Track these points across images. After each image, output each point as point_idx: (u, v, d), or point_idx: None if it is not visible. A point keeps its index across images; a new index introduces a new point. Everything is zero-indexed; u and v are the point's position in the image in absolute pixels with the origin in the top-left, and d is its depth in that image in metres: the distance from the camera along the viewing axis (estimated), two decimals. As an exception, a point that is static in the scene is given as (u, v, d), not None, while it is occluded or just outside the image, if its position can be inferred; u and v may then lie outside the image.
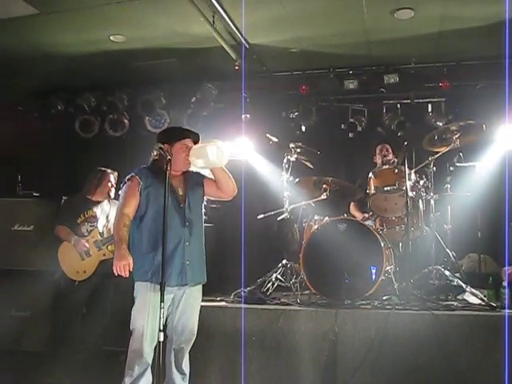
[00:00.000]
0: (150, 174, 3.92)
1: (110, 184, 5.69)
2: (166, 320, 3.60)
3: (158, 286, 3.57)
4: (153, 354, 3.73)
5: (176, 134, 4.06)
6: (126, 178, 3.95)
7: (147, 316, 3.73)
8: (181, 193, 3.95)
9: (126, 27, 6.01)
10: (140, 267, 3.80)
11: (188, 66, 6.90)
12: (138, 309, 3.79)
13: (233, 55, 6.46)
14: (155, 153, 3.87)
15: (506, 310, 4.71)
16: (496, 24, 5.66)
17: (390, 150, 6.32)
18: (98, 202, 5.66)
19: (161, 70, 7.31)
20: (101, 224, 5.57)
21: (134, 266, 3.75)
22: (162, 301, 3.49)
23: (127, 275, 3.69)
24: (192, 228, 3.92)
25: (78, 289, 5.39)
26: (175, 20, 5.82)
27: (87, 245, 5.39)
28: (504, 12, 5.28)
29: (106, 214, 5.65)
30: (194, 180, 4.08)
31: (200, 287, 4.04)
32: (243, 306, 5.08)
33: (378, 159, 6.36)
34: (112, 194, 5.70)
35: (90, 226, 5.53)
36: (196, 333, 4.01)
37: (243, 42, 6.33)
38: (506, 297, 4.88)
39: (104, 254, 5.42)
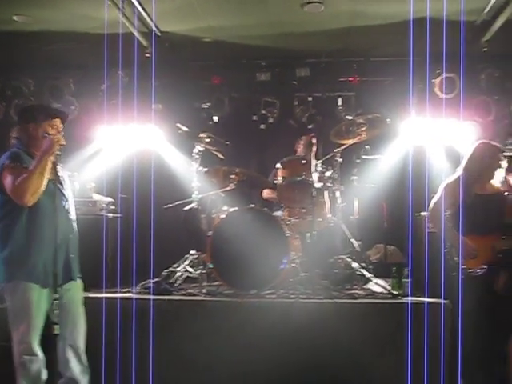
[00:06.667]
0: (27, 159, 3.66)
1: None
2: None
3: (40, 286, 3.56)
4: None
5: (45, 113, 3.79)
6: (5, 163, 3.59)
7: (33, 314, 3.57)
8: (61, 180, 3.77)
9: (31, 7, 5.74)
10: (18, 266, 3.58)
11: (98, 51, 6.65)
12: (21, 307, 3.58)
13: (144, 42, 6.32)
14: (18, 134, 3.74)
15: (409, 298, 4.87)
16: (402, 23, 5.82)
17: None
18: None
19: (69, 55, 7.07)
20: None
21: (8, 264, 3.58)
22: (55, 292, 3.40)
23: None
24: (73, 219, 3.84)
25: None
26: (83, 3, 5.62)
27: None
28: (409, 11, 5.44)
29: None
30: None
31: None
32: (152, 297, 4.99)
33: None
34: None
35: None
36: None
37: (154, 29, 6.22)
38: (409, 284, 5.05)
39: None
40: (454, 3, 4.95)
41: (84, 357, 3.86)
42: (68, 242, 3.74)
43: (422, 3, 5.03)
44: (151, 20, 6.00)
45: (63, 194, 3.75)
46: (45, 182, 3.55)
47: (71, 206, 3.85)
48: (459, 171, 4.47)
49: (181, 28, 6.35)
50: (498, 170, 4.48)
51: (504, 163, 4.49)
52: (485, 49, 6.18)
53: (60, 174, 3.76)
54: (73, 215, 3.86)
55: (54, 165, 3.62)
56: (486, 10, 5.61)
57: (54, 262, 3.50)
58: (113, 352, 4.39)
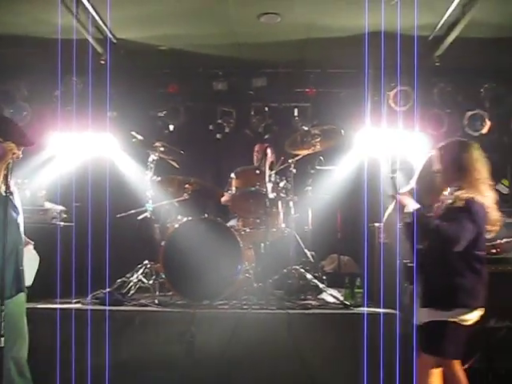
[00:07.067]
0: None
1: None
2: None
3: None
4: None
5: (22, 138, 3.61)
6: None
7: None
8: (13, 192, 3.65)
9: (-19, 9, 5.60)
10: None
11: (52, 57, 6.56)
12: None
13: (99, 49, 6.23)
14: None
15: (365, 308, 4.91)
16: (357, 36, 5.88)
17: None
18: None
19: (22, 60, 6.88)
20: None
21: None
22: (2, 304, 3.31)
23: None
24: (22, 231, 3.75)
25: None
26: (37, 7, 5.50)
27: None
28: (364, 25, 5.52)
29: None
30: None
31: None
32: (105, 308, 4.89)
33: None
34: None
35: None
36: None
37: (109, 36, 6.14)
38: (365, 295, 5.09)
39: None
40: (408, 19, 5.02)
41: (26, 369, 3.73)
42: (17, 254, 3.65)
43: (377, 17, 5.10)
44: (106, 27, 5.92)
45: (14, 206, 3.66)
46: None
47: (21, 218, 3.76)
48: (412, 183, 4.51)
49: (137, 36, 6.29)
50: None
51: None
52: (437, 63, 6.30)
53: (11, 185, 3.66)
54: (22, 227, 3.77)
55: (6, 175, 3.52)
56: (439, 26, 5.73)
57: (2, 273, 3.40)
58: (66, 364, 4.28)
